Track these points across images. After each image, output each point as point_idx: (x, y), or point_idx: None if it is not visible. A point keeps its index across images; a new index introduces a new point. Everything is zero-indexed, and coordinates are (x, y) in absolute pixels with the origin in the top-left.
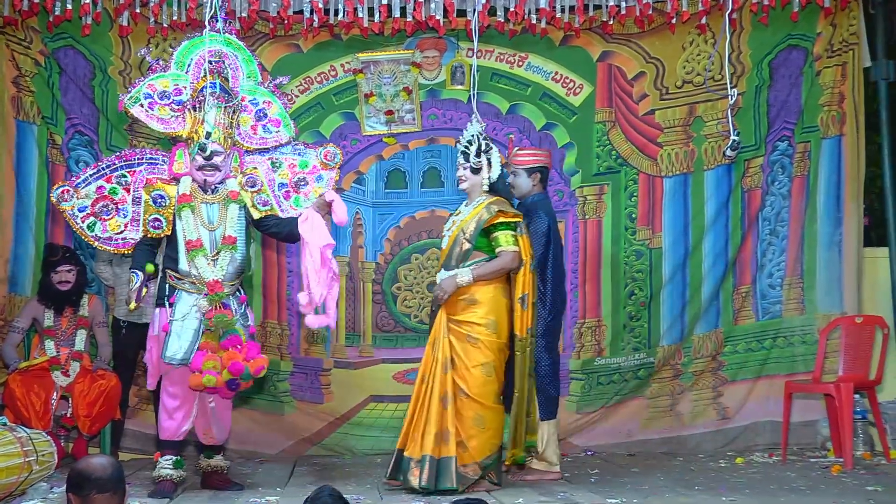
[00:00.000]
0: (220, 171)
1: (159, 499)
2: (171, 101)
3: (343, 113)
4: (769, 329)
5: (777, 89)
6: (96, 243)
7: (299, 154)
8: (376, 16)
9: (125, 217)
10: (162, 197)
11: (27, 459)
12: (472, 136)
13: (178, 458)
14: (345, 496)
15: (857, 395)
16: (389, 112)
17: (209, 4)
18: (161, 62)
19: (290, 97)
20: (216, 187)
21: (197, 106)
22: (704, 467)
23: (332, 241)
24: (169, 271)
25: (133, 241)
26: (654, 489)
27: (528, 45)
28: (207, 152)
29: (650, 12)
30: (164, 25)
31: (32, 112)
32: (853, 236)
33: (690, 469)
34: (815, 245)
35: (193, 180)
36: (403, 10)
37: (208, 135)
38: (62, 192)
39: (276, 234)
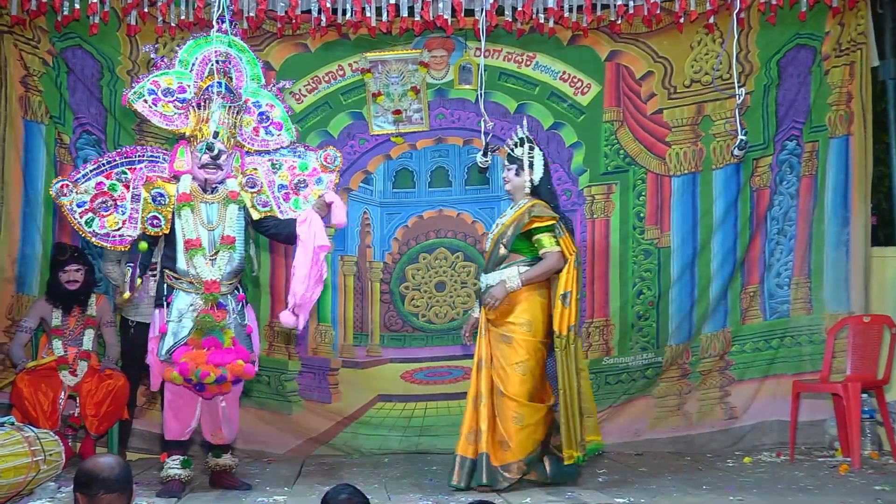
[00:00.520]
0: (221, 170)
1: (167, 498)
2: (174, 98)
3: (351, 112)
4: (777, 328)
5: (785, 88)
6: (94, 239)
7: (299, 156)
8: (384, 15)
9: (123, 214)
10: (161, 195)
11: (35, 459)
12: (521, 138)
13: (186, 457)
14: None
15: (864, 395)
16: (397, 111)
17: (217, 4)
18: (165, 59)
19: (297, 96)
20: (216, 187)
21: (202, 104)
22: (712, 467)
23: (328, 243)
24: (167, 271)
25: (130, 239)
26: (662, 489)
27: (535, 45)
28: (215, 151)
29: (658, 12)
30: (172, 25)
31: (40, 112)
32: (861, 236)
33: (698, 468)
34: (823, 244)
35: (194, 179)
36: (411, 10)
37: (216, 134)
38: (61, 186)
39: (275, 235)
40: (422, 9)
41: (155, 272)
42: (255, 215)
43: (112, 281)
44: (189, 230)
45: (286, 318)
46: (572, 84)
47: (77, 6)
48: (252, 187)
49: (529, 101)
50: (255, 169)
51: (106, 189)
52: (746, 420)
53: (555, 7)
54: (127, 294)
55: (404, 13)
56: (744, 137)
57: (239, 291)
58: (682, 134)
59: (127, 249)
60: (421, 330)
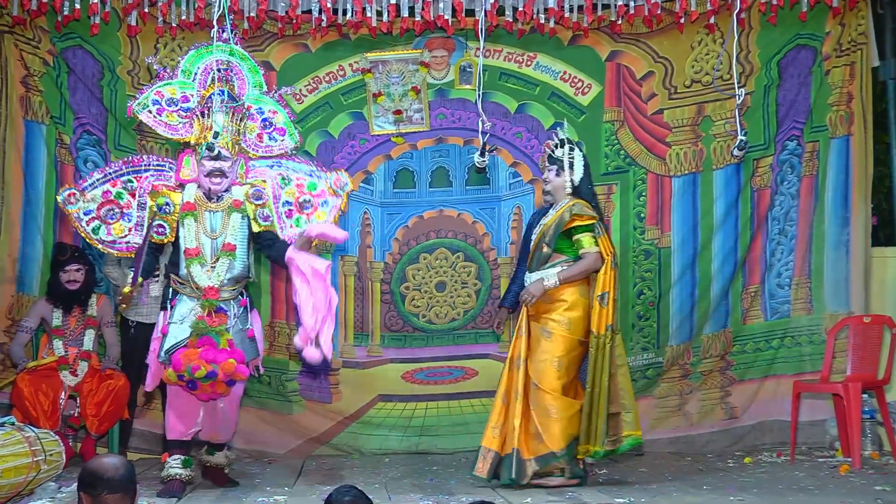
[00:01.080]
0: (226, 177)
1: (168, 498)
2: (178, 107)
3: (351, 112)
4: (777, 329)
5: (786, 89)
6: (100, 246)
7: (310, 175)
8: (385, 15)
9: (129, 221)
10: (167, 204)
11: (35, 459)
12: (562, 139)
13: (187, 457)
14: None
15: (865, 395)
16: (398, 112)
17: (217, 4)
18: (168, 69)
19: (297, 97)
20: (221, 195)
21: (205, 112)
22: (712, 467)
23: (322, 267)
24: (172, 276)
25: (137, 246)
26: (663, 489)
27: (536, 45)
28: (215, 151)
29: (658, 12)
30: (173, 25)
31: (41, 112)
32: (861, 236)
33: (698, 469)
34: (823, 245)
35: (199, 187)
36: (412, 10)
37: (216, 134)
38: (69, 195)
39: (266, 253)
40: (422, 9)
41: (158, 276)
42: (255, 227)
43: (112, 281)
44: (190, 239)
45: (310, 354)
46: (573, 84)
47: (77, 6)
48: (257, 199)
49: (530, 102)
50: (264, 181)
51: (112, 197)
52: (747, 420)
53: (555, 7)
54: (127, 288)
55: (405, 13)
56: (744, 138)
57: (242, 297)
58: (682, 134)
59: (132, 256)
60: (421, 330)
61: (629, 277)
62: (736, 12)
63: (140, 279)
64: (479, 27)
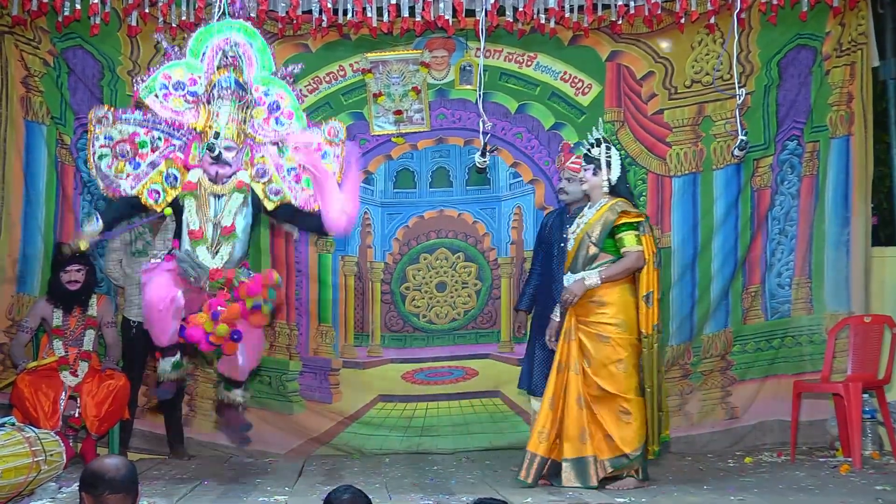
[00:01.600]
0: (230, 166)
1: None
2: (185, 91)
3: (352, 113)
4: (778, 329)
5: (786, 89)
6: (94, 172)
7: (304, 134)
8: (385, 15)
9: (135, 169)
10: (175, 177)
11: (36, 459)
12: (597, 138)
13: (176, 360)
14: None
15: (865, 395)
16: (398, 112)
17: (217, 4)
18: (177, 48)
19: (298, 96)
20: (226, 179)
21: (211, 100)
22: (713, 467)
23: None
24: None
25: (125, 194)
26: (663, 489)
27: (536, 45)
28: (216, 152)
29: (659, 12)
30: (173, 25)
31: (41, 112)
32: (861, 236)
33: (699, 469)
34: (824, 244)
35: (204, 172)
36: (412, 10)
37: (217, 135)
38: (103, 116)
39: (292, 225)
40: (423, 9)
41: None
42: (269, 206)
43: (113, 281)
44: (193, 221)
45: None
46: (573, 84)
47: (78, 6)
48: (262, 177)
49: (530, 102)
50: (264, 157)
51: (137, 142)
52: (747, 420)
53: (556, 7)
54: (82, 243)
55: (405, 13)
56: (744, 138)
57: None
58: (682, 134)
59: (115, 199)
60: (422, 330)
61: None
62: (736, 12)
63: (100, 223)
64: (480, 27)
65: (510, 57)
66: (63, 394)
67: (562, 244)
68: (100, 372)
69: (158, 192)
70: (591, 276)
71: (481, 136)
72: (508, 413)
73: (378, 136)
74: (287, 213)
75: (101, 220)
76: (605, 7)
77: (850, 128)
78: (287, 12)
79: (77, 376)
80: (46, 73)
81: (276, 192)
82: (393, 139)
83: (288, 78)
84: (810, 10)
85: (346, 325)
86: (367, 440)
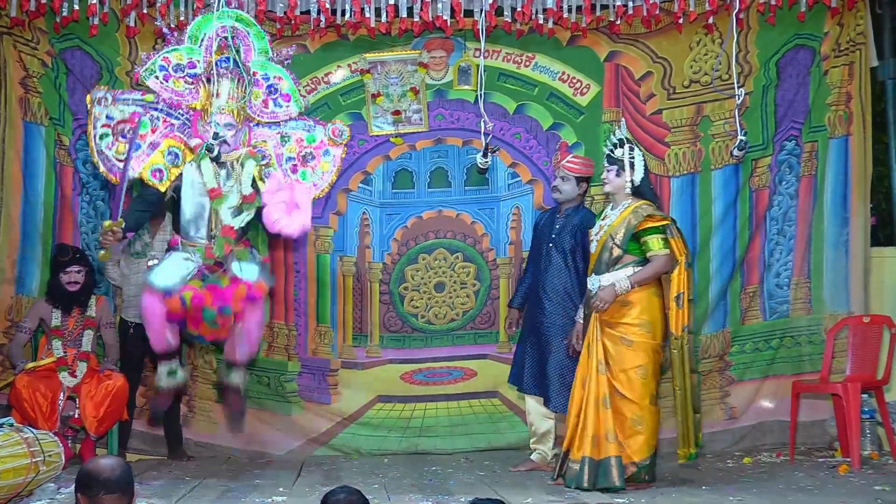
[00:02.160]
0: (229, 145)
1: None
2: (185, 73)
3: (350, 113)
4: (776, 329)
5: (784, 89)
6: (95, 155)
7: (308, 130)
8: (383, 16)
9: (136, 150)
10: (177, 155)
11: (34, 460)
12: (620, 139)
13: (171, 367)
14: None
15: (864, 395)
16: (396, 112)
17: (216, 5)
18: (176, 34)
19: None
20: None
21: (210, 78)
22: (712, 467)
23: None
24: (178, 236)
25: (126, 177)
26: (662, 489)
27: (535, 45)
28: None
29: (657, 12)
30: (172, 26)
31: (40, 113)
32: (860, 236)
33: (698, 468)
34: (823, 245)
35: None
36: (410, 11)
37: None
38: (101, 97)
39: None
40: (421, 9)
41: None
42: (262, 186)
43: (111, 281)
44: (210, 180)
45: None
46: (571, 84)
47: (76, 7)
48: (261, 160)
49: (529, 102)
50: (265, 141)
51: (137, 122)
52: (746, 420)
53: (554, 7)
54: (108, 222)
55: (403, 14)
56: (743, 138)
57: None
58: (681, 134)
59: (115, 183)
60: (420, 331)
61: None
62: (735, 12)
63: (121, 220)
64: (479, 28)
65: (508, 57)
66: (61, 394)
67: (550, 243)
68: (98, 372)
69: (161, 171)
70: (622, 282)
71: (482, 136)
72: (507, 413)
73: (376, 136)
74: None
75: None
76: (604, 7)
77: (849, 128)
78: (285, 13)
79: (76, 377)
80: (45, 73)
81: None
82: (391, 139)
83: (285, 61)
84: (808, 11)
85: (344, 325)
86: (365, 441)
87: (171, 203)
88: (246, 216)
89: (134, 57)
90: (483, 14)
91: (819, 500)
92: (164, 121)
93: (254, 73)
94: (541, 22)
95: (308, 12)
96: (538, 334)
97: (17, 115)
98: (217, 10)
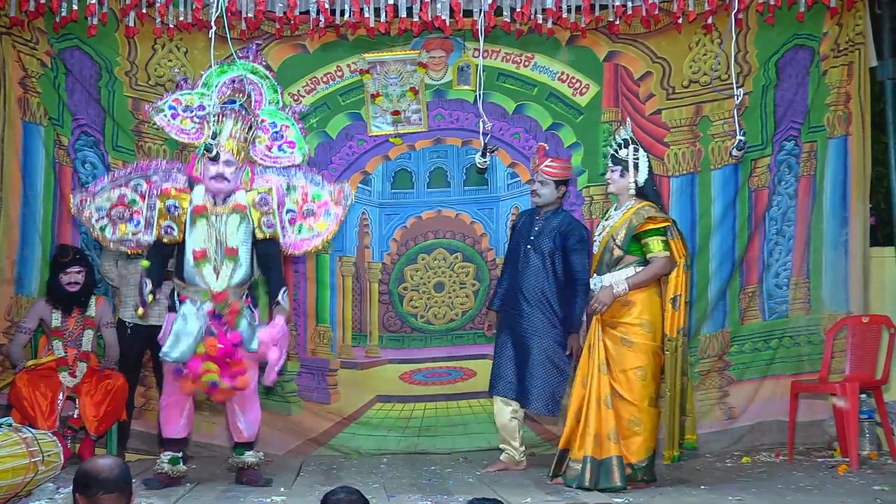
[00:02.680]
0: (228, 181)
1: (146, 488)
2: (193, 114)
3: (349, 113)
4: (775, 329)
5: (783, 89)
6: (111, 244)
7: (316, 184)
8: (382, 16)
9: (137, 225)
10: (175, 206)
11: (33, 460)
12: (625, 139)
13: (175, 455)
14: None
15: (863, 395)
16: (396, 112)
17: (215, 5)
18: (189, 81)
19: (295, 97)
20: (226, 199)
21: (215, 117)
22: (711, 467)
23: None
24: (176, 280)
25: (147, 243)
26: (661, 489)
27: (534, 45)
28: (213, 152)
29: (656, 12)
30: (171, 26)
31: (39, 113)
32: (859, 236)
33: (696, 468)
34: (822, 245)
35: (206, 190)
36: (410, 11)
37: (214, 135)
38: (80, 200)
39: (259, 261)
40: (420, 10)
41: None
42: (259, 235)
43: (110, 282)
44: (198, 241)
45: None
46: (571, 85)
47: (75, 7)
48: (263, 206)
49: (528, 102)
50: (270, 189)
51: (126, 202)
52: (745, 420)
53: (553, 7)
54: (140, 311)
55: (403, 14)
56: (743, 138)
57: (246, 297)
58: (680, 134)
59: (142, 254)
60: (420, 331)
61: None
62: (734, 12)
63: (150, 296)
64: (478, 28)
65: (507, 57)
66: (61, 394)
67: (529, 245)
68: (98, 372)
69: (172, 227)
70: (620, 284)
71: (481, 136)
72: None
73: (376, 136)
74: (270, 247)
75: (150, 284)
76: (603, 7)
77: (848, 128)
78: (284, 13)
79: (76, 377)
80: (44, 73)
81: (270, 226)
82: (390, 140)
83: (295, 115)
84: (807, 11)
85: (344, 325)
86: (365, 440)
87: (174, 248)
88: (225, 273)
89: (133, 57)
90: (482, 14)
91: (818, 500)
92: (147, 181)
93: (262, 121)
94: (540, 22)
95: (307, 12)
96: (516, 336)
97: (17, 116)
98: (215, 12)
